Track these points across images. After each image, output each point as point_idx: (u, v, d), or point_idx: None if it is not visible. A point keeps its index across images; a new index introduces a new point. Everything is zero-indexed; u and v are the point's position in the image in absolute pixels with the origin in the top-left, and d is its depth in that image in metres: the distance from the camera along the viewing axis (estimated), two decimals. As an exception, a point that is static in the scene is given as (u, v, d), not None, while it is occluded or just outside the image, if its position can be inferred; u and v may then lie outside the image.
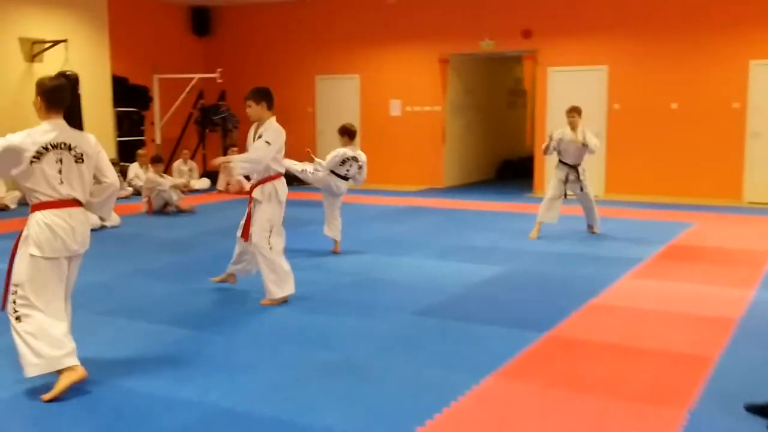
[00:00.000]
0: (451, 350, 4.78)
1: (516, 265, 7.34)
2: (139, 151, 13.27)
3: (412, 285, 6.51)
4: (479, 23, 13.74)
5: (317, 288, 6.42)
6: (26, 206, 4.17)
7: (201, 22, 16.09)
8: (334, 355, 4.66)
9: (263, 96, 5.84)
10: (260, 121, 5.88)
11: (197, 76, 14.33)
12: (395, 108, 14.83)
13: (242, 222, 5.99)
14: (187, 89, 14.42)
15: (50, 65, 12.64)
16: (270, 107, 5.90)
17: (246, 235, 5.92)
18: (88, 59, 13.41)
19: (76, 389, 4.00)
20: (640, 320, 5.48)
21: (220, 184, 13.58)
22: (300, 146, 16.02)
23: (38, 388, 4.00)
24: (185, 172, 14.13)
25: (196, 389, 4.08)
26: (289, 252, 7.94)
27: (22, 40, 12.49)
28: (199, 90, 15.08)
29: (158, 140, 14.68)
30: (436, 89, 14.36)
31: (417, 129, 14.65)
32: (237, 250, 6.16)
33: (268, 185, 5.85)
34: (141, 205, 11.06)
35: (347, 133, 8.04)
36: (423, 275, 6.88)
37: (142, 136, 14.79)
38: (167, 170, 14.23)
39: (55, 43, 12.64)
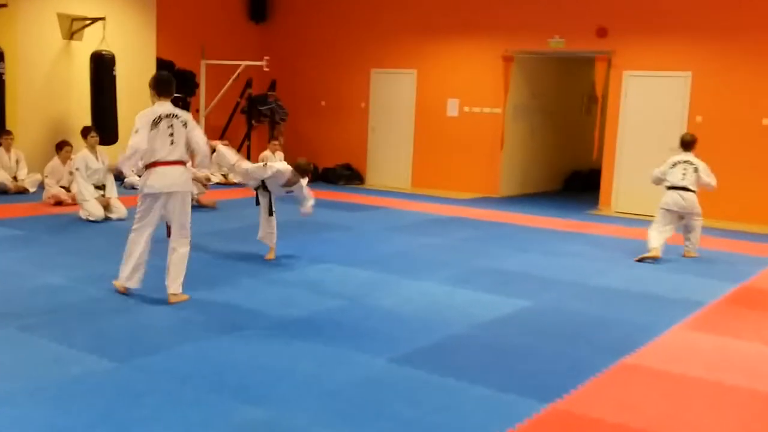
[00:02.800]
0: (415, 420, 3.67)
1: (546, 299, 6.13)
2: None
3: (408, 318, 5.40)
4: (549, 18, 12.42)
5: (290, 312, 5.38)
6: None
7: (258, 7, 15.33)
8: (261, 414, 3.62)
9: (150, 84, 5.60)
10: None
11: (244, 63, 13.53)
12: (453, 108, 13.66)
13: None
14: (234, 77, 13.64)
15: (89, 44, 12.09)
16: (158, 94, 5.51)
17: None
18: (129, 39, 12.79)
19: None
20: (682, 394, 4.23)
21: (257, 179, 12.74)
22: (352, 143, 15.18)
23: None
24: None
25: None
26: (287, 262, 7.03)
27: (61, 16, 11.95)
28: (248, 78, 14.28)
29: (201, 128, 13.96)
30: (497, 89, 13.12)
31: (475, 132, 13.43)
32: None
33: None
34: (160, 196, 10.29)
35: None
36: (426, 306, 5.75)
37: (185, 123, 14.11)
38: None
39: (94, 20, 12.05)
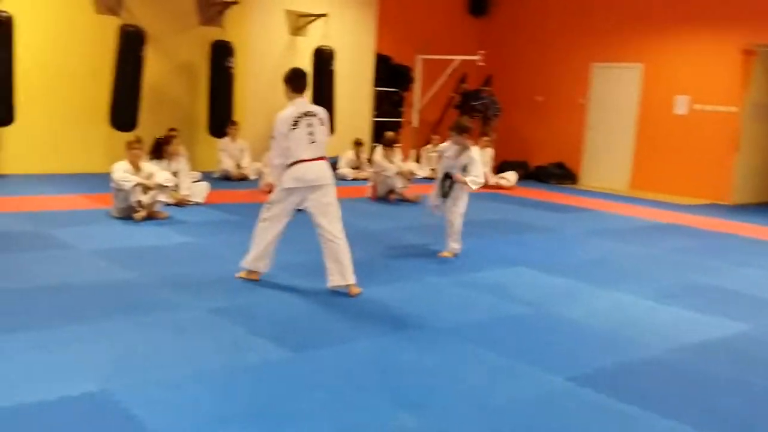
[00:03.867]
0: (585, 451, 3.30)
1: (766, 324, 5.35)
2: (387, 134, 12.74)
3: (597, 334, 4.95)
4: (800, 6, 11.01)
5: (468, 315, 5.15)
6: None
7: (479, 0, 15.15)
8: (417, 424, 3.44)
9: (285, 79, 5.56)
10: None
11: (459, 57, 13.43)
12: (681, 105, 12.58)
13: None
14: (448, 71, 13.60)
15: (312, 39, 12.63)
16: (293, 90, 5.49)
17: None
18: (350, 35, 13.20)
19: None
20: None
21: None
22: (567, 140, 14.50)
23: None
24: (433, 158, 13.37)
25: (210, 439, 3.17)
26: (477, 261, 6.77)
27: (289, 13, 12.59)
28: (462, 73, 14.17)
29: (415, 123, 14.10)
30: (734, 86, 11.88)
31: (705, 132, 12.28)
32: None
33: None
34: (366, 189, 10.49)
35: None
36: (621, 321, 5.24)
37: (400, 117, 14.32)
38: (418, 155, 13.63)
39: (318, 16, 12.56)
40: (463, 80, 14.32)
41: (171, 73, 11.37)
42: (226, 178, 11.11)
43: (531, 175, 13.97)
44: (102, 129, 10.64)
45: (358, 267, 6.23)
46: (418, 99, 14.03)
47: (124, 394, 3.57)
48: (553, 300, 5.67)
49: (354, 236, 7.65)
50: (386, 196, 10.18)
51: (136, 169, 7.91)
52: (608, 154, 13.57)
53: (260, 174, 10.57)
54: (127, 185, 7.69)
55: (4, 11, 9.53)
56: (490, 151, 12.82)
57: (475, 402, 3.73)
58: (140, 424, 3.28)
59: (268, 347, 4.31)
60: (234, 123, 11.42)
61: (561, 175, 13.86)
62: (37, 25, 10.13)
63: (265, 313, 4.97)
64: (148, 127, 10.48)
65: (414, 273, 6.25)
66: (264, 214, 5.63)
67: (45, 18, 10.26)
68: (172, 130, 10.24)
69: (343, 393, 3.74)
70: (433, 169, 13.22)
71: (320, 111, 5.50)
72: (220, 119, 11.52)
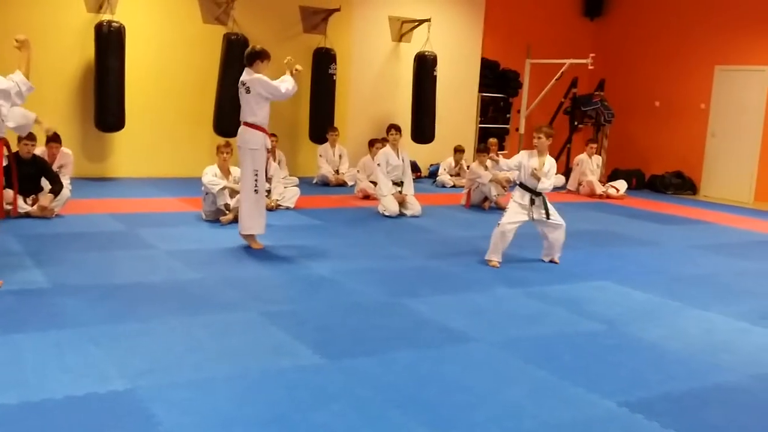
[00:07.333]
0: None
1: None
2: (491, 140, 12.42)
3: (671, 356, 4.49)
4: None
5: (531, 330, 4.81)
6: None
7: (593, 1, 14.55)
8: (435, 444, 3.20)
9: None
10: None
11: (567, 61, 12.89)
12: (814, 110, 11.52)
13: None
14: (557, 76, 13.07)
15: (416, 45, 12.52)
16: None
17: None
18: (455, 40, 13.00)
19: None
20: None
21: (571, 184, 12.07)
22: (686, 148, 13.56)
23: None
24: (539, 166, 12.88)
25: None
26: (559, 274, 6.35)
27: (392, 19, 12.53)
28: (573, 77, 13.61)
29: (522, 130, 13.67)
30: None
31: (841, 139, 11.19)
32: None
33: None
34: (461, 196, 10.23)
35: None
36: (702, 343, 4.75)
37: (506, 124, 13.95)
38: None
39: (421, 22, 12.43)
40: (573, 85, 13.76)
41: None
42: (325, 184, 11.16)
43: (646, 184, 13.22)
44: (206, 134, 10.96)
45: (427, 276, 6.05)
46: (525, 105, 13.59)
47: (149, 393, 3.54)
48: (633, 318, 5.22)
49: (433, 244, 7.50)
50: (480, 204, 9.89)
51: (225, 173, 8.05)
52: (731, 164, 12.63)
53: (356, 180, 10.54)
54: (215, 189, 7.83)
55: (117, 21, 10.02)
56: (598, 159, 12.24)
57: (507, 422, 3.43)
58: (155, 424, 3.23)
59: (305, 353, 4.18)
60: (334, 129, 11.46)
61: (679, 185, 13.04)
62: (147, 35, 10.58)
63: (315, 318, 4.86)
64: (248, 133, 10.65)
65: (484, 284, 5.97)
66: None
67: (155, 27, 10.70)
68: (271, 135, 10.36)
69: (367, 405, 3.54)
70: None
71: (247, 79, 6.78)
72: (322, 126, 11.60)
